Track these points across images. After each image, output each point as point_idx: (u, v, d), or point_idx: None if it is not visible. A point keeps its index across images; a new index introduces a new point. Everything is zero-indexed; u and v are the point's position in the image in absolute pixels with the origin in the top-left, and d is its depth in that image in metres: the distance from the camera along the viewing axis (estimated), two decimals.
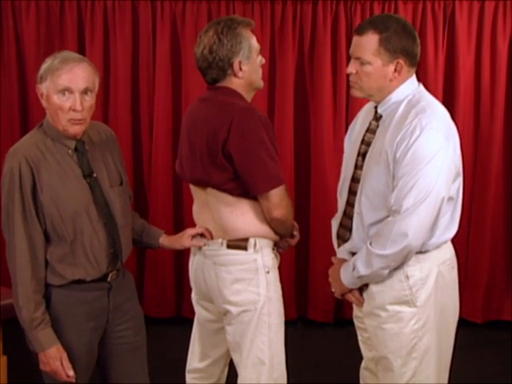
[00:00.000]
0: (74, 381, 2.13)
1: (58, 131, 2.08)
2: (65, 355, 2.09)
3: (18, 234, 2.04)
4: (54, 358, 2.08)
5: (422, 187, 2.04)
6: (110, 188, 2.17)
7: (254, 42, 2.26)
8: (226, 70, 2.23)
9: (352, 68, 2.18)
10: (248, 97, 2.30)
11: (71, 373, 2.10)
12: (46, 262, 2.09)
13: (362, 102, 3.83)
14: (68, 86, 2.01)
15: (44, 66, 2.06)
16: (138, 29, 3.88)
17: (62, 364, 2.09)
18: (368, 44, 2.12)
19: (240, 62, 2.23)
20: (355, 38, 2.17)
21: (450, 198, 2.15)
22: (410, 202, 2.04)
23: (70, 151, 2.10)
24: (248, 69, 2.25)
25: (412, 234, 2.06)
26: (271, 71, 3.87)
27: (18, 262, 2.04)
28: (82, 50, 3.84)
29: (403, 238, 2.06)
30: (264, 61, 2.33)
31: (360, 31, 2.15)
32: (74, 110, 2.02)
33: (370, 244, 2.13)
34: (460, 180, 2.21)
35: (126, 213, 2.23)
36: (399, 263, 2.13)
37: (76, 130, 2.06)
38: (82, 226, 2.09)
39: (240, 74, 2.24)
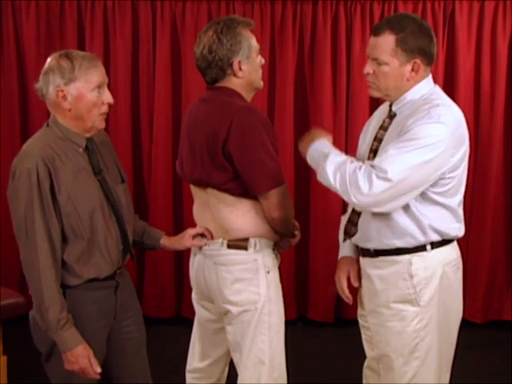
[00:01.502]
0: (99, 378, 2.14)
1: (72, 130, 2.10)
2: (91, 352, 2.10)
3: (40, 235, 2.02)
4: (83, 355, 2.08)
5: (405, 164, 2.00)
6: (115, 185, 2.20)
7: (253, 41, 2.26)
8: (226, 70, 2.23)
9: (369, 68, 2.17)
10: (248, 97, 2.30)
11: (99, 369, 2.12)
12: (63, 262, 2.09)
13: (361, 102, 3.87)
14: (102, 80, 2.08)
15: (67, 67, 2.04)
16: (138, 29, 3.89)
17: (89, 361, 2.10)
18: (385, 45, 2.12)
19: (240, 62, 2.22)
20: (372, 39, 2.17)
21: (452, 194, 2.14)
22: (388, 169, 1.99)
23: (80, 149, 2.12)
24: (248, 68, 2.25)
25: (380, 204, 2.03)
26: (271, 71, 3.88)
27: (41, 263, 2.02)
28: (81, 50, 3.82)
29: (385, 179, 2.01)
30: (264, 61, 2.33)
31: (376, 32, 2.15)
32: (107, 104, 2.10)
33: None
34: (464, 174, 2.21)
35: (130, 209, 2.26)
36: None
37: (103, 124, 2.14)
38: (97, 223, 2.10)
39: (240, 73, 2.24)
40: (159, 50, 3.88)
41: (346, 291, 2.33)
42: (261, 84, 2.33)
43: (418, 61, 2.14)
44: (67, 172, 2.06)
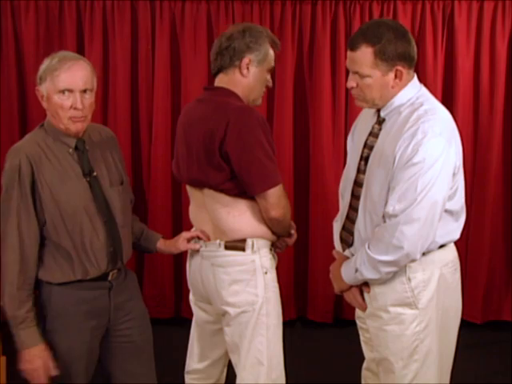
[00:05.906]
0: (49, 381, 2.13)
1: (59, 130, 2.10)
2: (49, 355, 2.09)
3: (11, 230, 2.05)
4: (38, 356, 2.09)
5: (419, 193, 2.01)
6: (110, 187, 2.19)
7: (271, 54, 2.28)
8: (234, 61, 2.24)
9: (352, 82, 2.14)
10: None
11: (54, 373, 2.11)
12: (45, 259, 2.10)
13: None
14: (68, 87, 2.03)
15: (42, 67, 2.07)
16: (137, 29, 3.88)
17: (44, 364, 2.09)
18: (363, 58, 2.08)
19: (250, 60, 2.23)
20: (349, 53, 2.12)
21: (451, 197, 2.14)
22: (406, 208, 2.02)
23: (70, 150, 2.12)
24: (254, 73, 2.25)
25: (407, 245, 2.04)
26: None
27: (7, 257, 2.05)
28: (81, 50, 3.84)
29: (399, 250, 2.05)
30: (271, 83, 2.34)
31: (352, 47, 2.10)
32: (75, 109, 2.05)
33: (369, 248, 2.11)
34: (462, 182, 2.20)
35: (126, 212, 2.24)
36: (404, 264, 2.12)
37: (78, 127, 2.09)
38: (81, 224, 2.10)
39: (245, 71, 2.24)
40: (158, 50, 3.87)
41: (360, 299, 2.27)
42: (259, 101, 2.34)
43: (399, 67, 2.09)
44: (53, 171, 2.07)
